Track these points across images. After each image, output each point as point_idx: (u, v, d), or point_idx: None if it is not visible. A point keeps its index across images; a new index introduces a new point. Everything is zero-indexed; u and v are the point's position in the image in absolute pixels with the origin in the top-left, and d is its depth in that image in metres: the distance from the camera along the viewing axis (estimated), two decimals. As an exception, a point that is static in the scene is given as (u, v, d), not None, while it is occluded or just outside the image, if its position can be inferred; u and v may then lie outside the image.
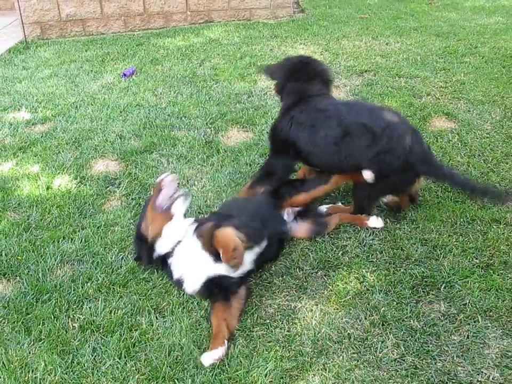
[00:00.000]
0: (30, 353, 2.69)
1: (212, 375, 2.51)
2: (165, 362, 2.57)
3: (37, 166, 4.23)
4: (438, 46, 6.95)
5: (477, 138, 4.53)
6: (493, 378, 2.56)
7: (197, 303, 2.92)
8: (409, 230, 3.46)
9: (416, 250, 3.28)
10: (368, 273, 3.13)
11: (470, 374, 2.58)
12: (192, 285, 2.82)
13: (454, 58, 6.39)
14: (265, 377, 2.50)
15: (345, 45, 7.08)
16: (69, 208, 3.69)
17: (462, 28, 7.88)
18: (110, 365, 2.60)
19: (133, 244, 3.19)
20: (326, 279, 3.10)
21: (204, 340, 2.70)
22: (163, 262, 2.89)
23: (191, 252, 2.82)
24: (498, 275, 3.11)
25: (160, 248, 2.86)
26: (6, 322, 2.87)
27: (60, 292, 3.03)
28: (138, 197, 3.78)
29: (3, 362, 2.63)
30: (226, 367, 2.56)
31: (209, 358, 2.56)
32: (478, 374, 2.58)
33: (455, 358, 2.65)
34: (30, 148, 4.50)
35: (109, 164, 4.19)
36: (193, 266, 2.81)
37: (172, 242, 2.85)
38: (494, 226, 3.49)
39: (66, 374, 2.57)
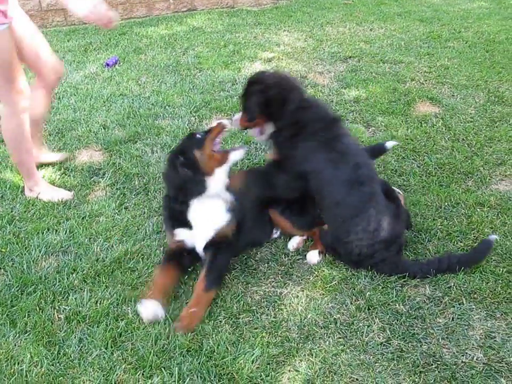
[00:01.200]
0: (15, 345, 2.66)
1: (199, 362, 2.51)
2: (152, 351, 2.56)
3: (20, 158, 4.18)
4: (422, 31, 6.95)
5: (461, 123, 4.55)
6: (477, 359, 2.59)
7: (183, 292, 2.92)
8: (394, 214, 3.47)
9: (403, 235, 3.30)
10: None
11: (455, 356, 2.60)
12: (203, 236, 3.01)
13: (438, 43, 6.40)
14: (252, 363, 2.51)
15: (329, 31, 7.06)
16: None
17: (446, 12, 7.89)
18: (97, 355, 2.59)
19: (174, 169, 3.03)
20: (312, 265, 3.11)
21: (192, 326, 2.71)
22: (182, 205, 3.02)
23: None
24: (482, 257, 3.14)
25: (209, 187, 3.01)
26: (-9, 315, 2.85)
27: (45, 283, 3.01)
28: (122, 186, 3.76)
29: (-12, 356, 2.62)
30: (214, 354, 2.56)
31: None
32: (463, 355, 2.61)
33: (440, 340, 2.68)
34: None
35: (92, 154, 4.16)
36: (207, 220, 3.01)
37: (221, 185, 3.06)
38: (478, 210, 3.52)
39: (53, 365, 2.56)
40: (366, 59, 5.91)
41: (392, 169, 3.91)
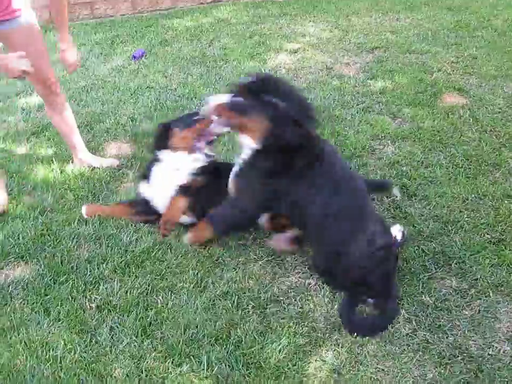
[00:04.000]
0: (49, 333, 2.75)
1: (227, 351, 2.56)
2: (181, 340, 2.62)
3: (50, 150, 4.27)
4: (449, 20, 6.86)
5: (489, 114, 4.50)
6: (504, 352, 2.59)
7: (211, 282, 2.97)
8: (421, 206, 3.48)
9: (428, 227, 3.30)
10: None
11: (481, 348, 2.61)
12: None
13: (466, 33, 6.31)
14: (279, 353, 2.55)
15: (354, 22, 7.01)
16: (82, 191, 3.74)
17: (474, 0, 7.76)
18: (127, 343, 2.66)
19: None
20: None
21: (219, 318, 2.76)
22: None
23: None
24: (510, 250, 3.12)
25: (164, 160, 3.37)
26: (26, 304, 2.93)
27: (77, 273, 3.09)
28: (151, 178, 3.82)
29: (24, 342, 2.70)
30: (242, 343, 2.61)
31: None
32: (489, 348, 2.62)
33: (466, 332, 2.68)
34: (43, 132, 4.54)
35: (121, 147, 4.22)
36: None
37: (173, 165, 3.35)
38: (505, 202, 3.49)
39: (85, 352, 2.64)
40: (392, 49, 5.86)
41: (418, 161, 3.90)
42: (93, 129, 4.48)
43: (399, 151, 4.02)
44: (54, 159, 4.13)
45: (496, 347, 2.62)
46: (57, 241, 3.34)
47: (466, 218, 3.36)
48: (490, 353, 2.59)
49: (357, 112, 4.53)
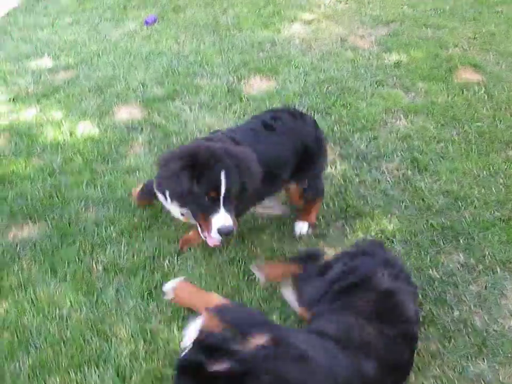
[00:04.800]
0: (56, 292, 2.78)
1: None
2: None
3: (60, 113, 4.24)
4: (468, -5, 6.70)
5: (504, 91, 4.42)
6: (508, 328, 2.61)
7: (219, 249, 2.97)
8: (431, 181, 3.45)
9: (438, 202, 3.28)
10: (389, 223, 3.14)
11: (486, 323, 2.62)
12: None
13: (485, 8, 6.15)
14: (283, 321, 2.57)
15: (371, -6, 6.87)
16: (92, 154, 3.72)
17: (494, -24, 7.57)
18: (133, 305, 2.69)
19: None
20: (346, 228, 3.13)
21: (225, 283, 2.77)
22: None
23: None
24: (519, 229, 3.11)
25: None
26: (34, 263, 2.95)
27: (84, 235, 3.10)
28: (160, 143, 3.80)
29: (32, 300, 2.74)
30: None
31: None
32: (494, 323, 2.63)
33: (472, 308, 2.69)
34: (53, 94, 4.50)
35: (131, 111, 4.19)
36: None
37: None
38: (517, 180, 3.46)
39: (91, 312, 2.67)
40: (409, 23, 5.74)
41: (430, 136, 3.85)
42: (103, 94, 4.43)
43: (412, 125, 3.97)
44: (63, 122, 4.10)
45: (501, 323, 2.63)
46: (66, 203, 3.34)
47: (477, 195, 3.34)
48: (495, 328, 2.61)
49: (370, 85, 4.46)
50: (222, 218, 2.41)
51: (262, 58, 4.87)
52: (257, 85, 4.49)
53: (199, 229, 2.58)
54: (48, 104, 4.37)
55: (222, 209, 2.42)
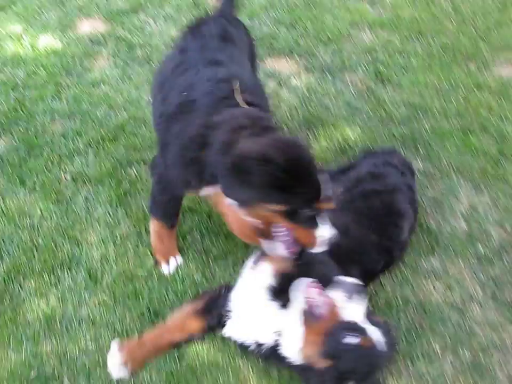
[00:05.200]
0: (26, 202, 2.82)
1: (199, 219, 2.69)
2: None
3: (20, 26, 4.10)
4: None
5: (470, 5, 4.44)
6: (460, 228, 2.77)
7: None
8: (394, 93, 3.53)
9: (399, 113, 3.38)
10: (352, 133, 3.23)
11: (440, 225, 2.78)
12: None
13: None
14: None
15: None
16: (55, 68, 3.65)
17: None
18: (102, 212, 2.76)
19: None
20: (311, 136, 3.21)
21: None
22: None
23: None
24: (476, 138, 3.24)
25: None
26: (2, 175, 2.96)
27: (51, 147, 3.11)
28: (125, 56, 3.75)
29: (2, 210, 2.77)
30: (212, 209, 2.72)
31: None
32: (448, 225, 2.78)
33: (427, 211, 2.84)
34: (10, 7, 4.32)
35: (94, 25, 4.08)
36: None
37: None
38: (477, 92, 3.56)
39: (62, 220, 2.73)
40: None
41: (395, 50, 3.89)
42: (65, 6, 4.29)
43: (377, 39, 4.00)
44: (23, 35, 3.98)
45: (454, 225, 2.79)
46: (31, 116, 3.32)
47: (437, 106, 3.44)
48: (447, 230, 2.77)
49: (337, -1, 4.43)
50: (327, 228, 1.88)
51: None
52: (223, -2, 4.41)
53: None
54: (5, 17, 4.22)
55: (325, 218, 1.88)
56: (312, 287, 1.97)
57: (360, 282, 1.97)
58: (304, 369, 1.96)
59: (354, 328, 1.85)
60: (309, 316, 1.94)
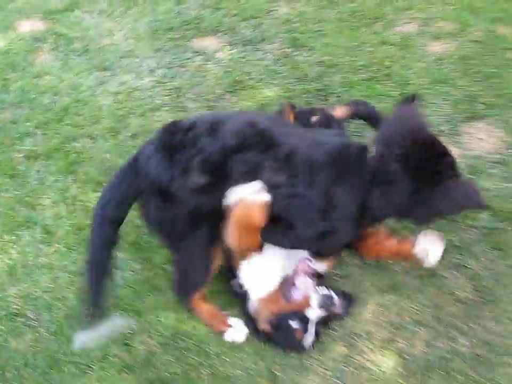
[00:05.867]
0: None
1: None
2: (98, 172, 3.14)
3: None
4: None
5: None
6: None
7: (123, 127, 3.44)
8: (308, 55, 3.95)
9: (313, 71, 3.79)
10: (271, 92, 3.65)
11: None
12: None
13: None
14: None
15: None
16: (0, 65, 4.02)
17: None
18: (54, 180, 3.15)
19: None
20: (234, 99, 3.63)
21: (129, 153, 3.22)
22: None
23: None
24: (380, 85, 3.67)
25: None
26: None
27: (4, 132, 3.48)
28: (65, 49, 4.12)
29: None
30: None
31: None
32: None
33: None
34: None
35: (34, 24, 4.40)
36: None
37: None
38: (382, 47, 4.01)
39: (18, 191, 3.12)
40: None
41: (309, 18, 4.31)
42: (4, 10, 4.59)
43: (293, 10, 4.42)
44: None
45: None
46: (-19, 108, 3.68)
47: (346, 63, 3.87)
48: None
49: (256, -20, 4.84)
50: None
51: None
52: (153, -10, 4.79)
53: None
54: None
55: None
56: (305, 265, 2.46)
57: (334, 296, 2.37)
58: (250, 318, 2.45)
59: (303, 320, 2.32)
60: (285, 290, 2.42)
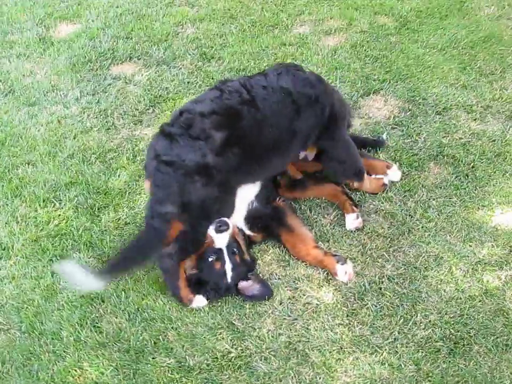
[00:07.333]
0: None
1: (80, 191, 3.38)
2: (44, 191, 3.41)
3: None
4: None
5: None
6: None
7: (59, 150, 3.70)
8: (218, 64, 4.43)
9: (224, 77, 4.17)
10: (188, 100, 3.98)
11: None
12: None
13: None
14: (118, 183, 3.39)
15: None
16: None
17: None
18: (2, 204, 3.39)
19: None
20: (157, 110, 4.02)
21: (69, 171, 3.52)
22: None
23: None
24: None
25: None
26: None
27: None
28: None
29: None
30: (90, 183, 3.40)
31: None
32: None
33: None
34: None
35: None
36: None
37: None
38: (282, 48, 4.53)
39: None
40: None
41: (214, 34, 4.75)
42: None
43: (198, 30, 4.86)
44: None
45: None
46: None
47: (253, 65, 4.33)
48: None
49: (161, 9, 5.22)
50: None
51: (64, 7, 5.39)
52: (65, 30, 5.06)
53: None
54: None
55: None
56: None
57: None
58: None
59: (217, 252, 2.83)
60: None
